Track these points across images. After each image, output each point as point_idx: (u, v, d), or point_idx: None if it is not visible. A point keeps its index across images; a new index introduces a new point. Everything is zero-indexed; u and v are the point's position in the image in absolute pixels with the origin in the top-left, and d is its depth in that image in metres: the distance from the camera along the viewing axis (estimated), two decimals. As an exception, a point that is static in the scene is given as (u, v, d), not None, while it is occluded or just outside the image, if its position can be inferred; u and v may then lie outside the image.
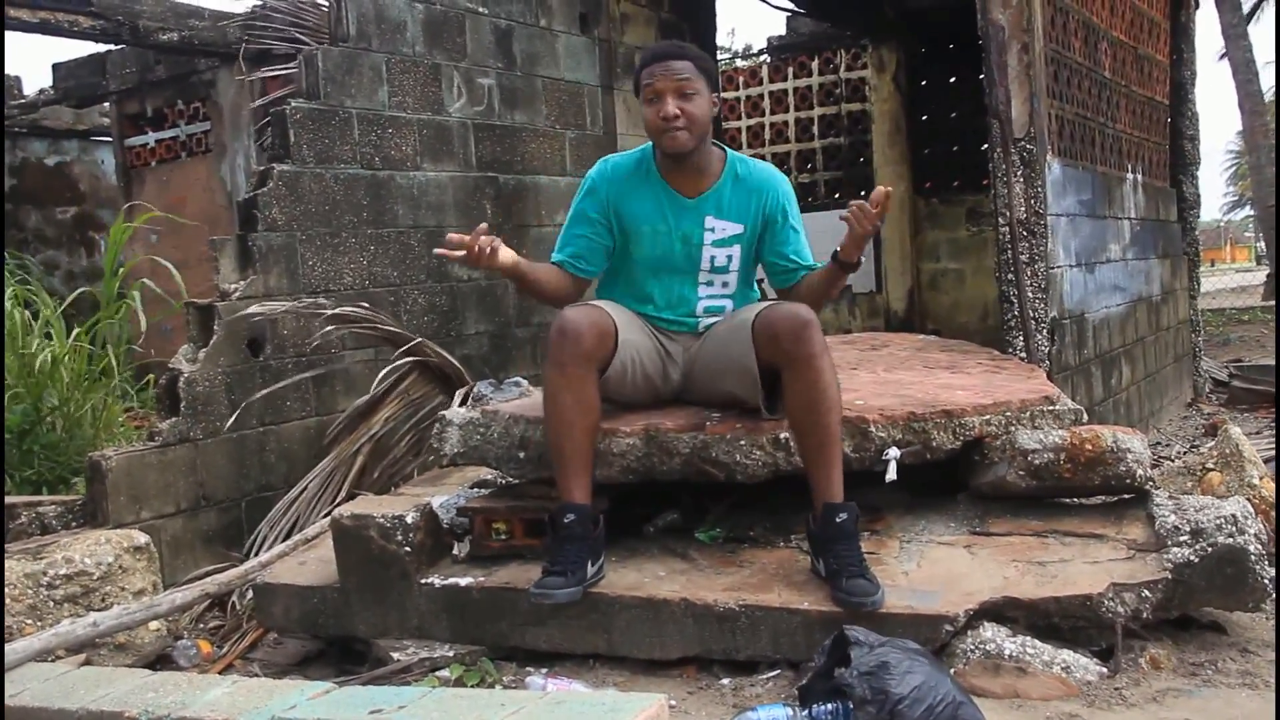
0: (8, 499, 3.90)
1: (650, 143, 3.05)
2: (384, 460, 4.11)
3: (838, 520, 2.66)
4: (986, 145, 4.97)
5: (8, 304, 4.60)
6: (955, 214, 9.17)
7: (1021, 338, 4.80)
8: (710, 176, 3.03)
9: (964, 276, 9.20)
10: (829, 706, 2.17)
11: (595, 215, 3.05)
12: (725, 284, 3.11)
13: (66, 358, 4.54)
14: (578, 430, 2.77)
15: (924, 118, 9.30)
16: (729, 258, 3.07)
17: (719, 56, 8.19)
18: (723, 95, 9.32)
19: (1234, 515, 2.68)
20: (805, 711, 2.20)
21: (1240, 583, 2.64)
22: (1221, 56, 15.38)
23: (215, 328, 4.06)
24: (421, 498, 3.22)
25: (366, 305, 4.40)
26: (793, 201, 3.10)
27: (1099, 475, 2.93)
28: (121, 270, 4.79)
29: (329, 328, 4.16)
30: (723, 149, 3.09)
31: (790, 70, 10.06)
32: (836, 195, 9.74)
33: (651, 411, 3.05)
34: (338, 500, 3.86)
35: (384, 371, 4.19)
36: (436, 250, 2.81)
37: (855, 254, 2.86)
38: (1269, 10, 17.43)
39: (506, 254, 2.84)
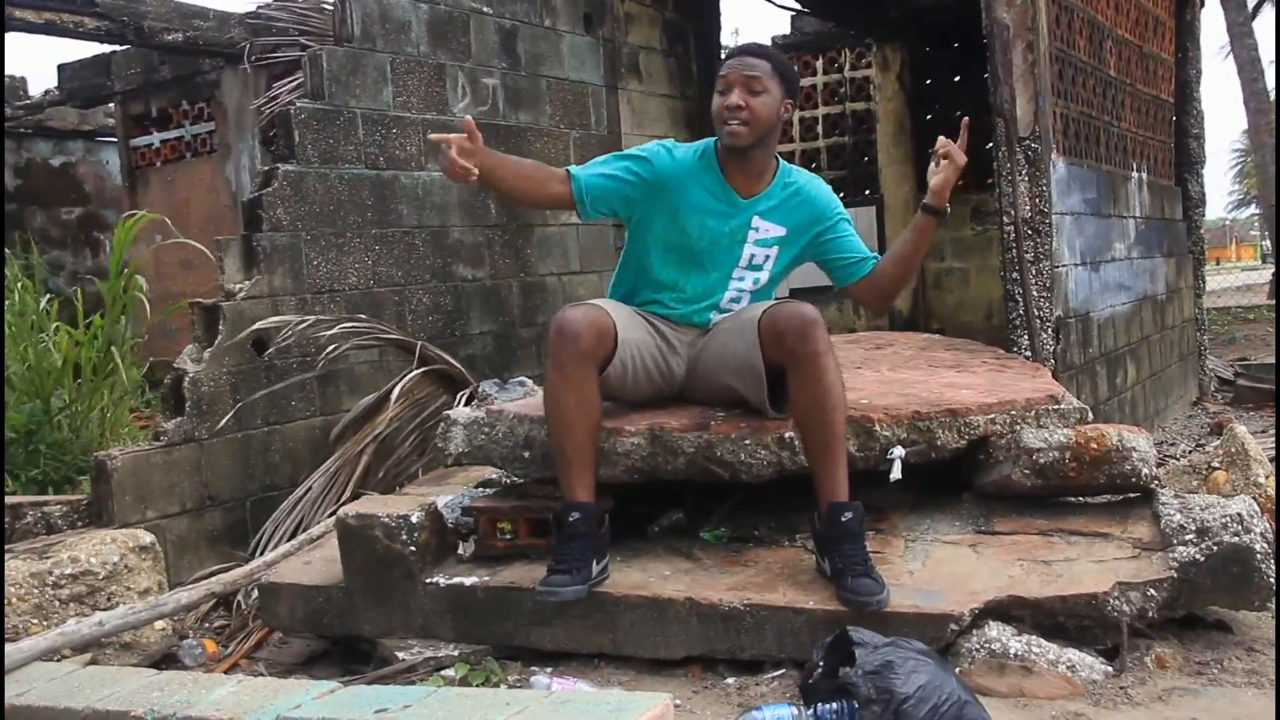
0: (14, 499, 3.91)
1: (711, 139, 3.06)
2: (389, 460, 4.11)
3: (843, 519, 2.66)
4: (991, 144, 4.97)
5: (15, 303, 4.62)
6: (960, 213, 9.15)
7: (1026, 336, 4.80)
8: (765, 181, 3.06)
9: (969, 275, 9.19)
10: (834, 706, 2.17)
11: (635, 177, 3.01)
12: (756, 280, 3.11)
13: (79, 357, 4.55)
14: (580, 429, 2.77)
15: (928, 117, 9.29)
16: (766, 257, 3.09)
17: (721, 56, 8.17)
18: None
19: (1239, 514, 2.67)
20: (810, 711, 2.19)
21: (1246, 582, 2.63)
22: (1226, 55, 15.33)
23: (220, 328, 4.07)
24: (426, 497, 3.22)
25: (365, 316, 4.40)
26: (839, 203, 3.17)
27: (1104, 474, 2.92)
28: (126, 270, 4.80)
29: (331, 346, 4.16)
30: (777, 158, 3.11)
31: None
32: (841, 195, 9.72)
33: (656, 411, 3.05)
34: (342, 500, 3.86)
35: (399, 382, 4.18)
36: (432, 136, 2.82)
37: (944, 198, 2.93)
38: (1270, 9, 17.40)
39: (480, 157, 2.80)
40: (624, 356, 2.91)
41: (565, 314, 2.81)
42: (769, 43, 10.35)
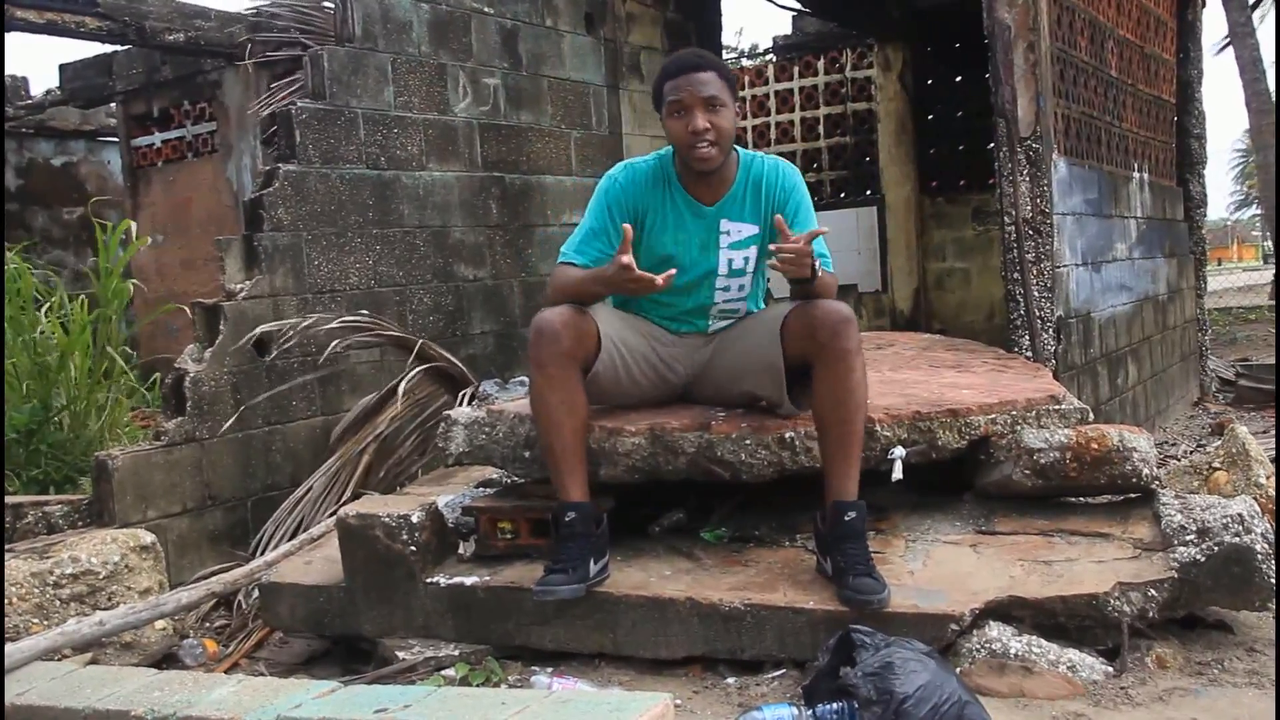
0: (15, 498, 3.92)
1: (666, 149, 3.02)
2: (389, 460, 4.11)
3: (847, 518, 2.66)
4: (992, 144, 4.97)
5: (16, 301, 4.62)
6: (961, 213, 9.16)
7: (1027, 337, 4.80)
8: (727, 183, 3.00)
9: (970, 276, 9.19)
10: (834, 706, 2.17)
11: (616, 230, 2.94)
12: (741, 286, 3.08)
13: (75, 355, 4.56)
14: (566, 429, 2.76)
15: (930, 117, 9.29)
16: (745, 259, 3.04)
17: (725, 56, 8.18)
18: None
19: (1240, 514, 2.67)
20: (810, 711, 2.19)
21: (1247, 582, 2.63)
22: (1222, 48, 15.30)
23: (221, 328, 4.07)
24: (427, 497, 3.22)
25: (367, 313, 4.41)
26: (802, 195, 3.03)
27: (1105, 474, 2.92)
28: (115, 269, 4.81)
29: (334, 341, 4.15)
30: (735, 150, 3.04)
31: (796, 70, 10.06)
32: (842, 195, 9.74)
33: (656, 411, 3.05)
34: (343, 500, 3.86)
35: (402, 382, 4.15)
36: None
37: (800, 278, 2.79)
38: (1272, 10, 17.37)
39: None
40: (611, 355, 2.91)
41: (542, 315, 2.80)
42: (770, 43, 10.38)
